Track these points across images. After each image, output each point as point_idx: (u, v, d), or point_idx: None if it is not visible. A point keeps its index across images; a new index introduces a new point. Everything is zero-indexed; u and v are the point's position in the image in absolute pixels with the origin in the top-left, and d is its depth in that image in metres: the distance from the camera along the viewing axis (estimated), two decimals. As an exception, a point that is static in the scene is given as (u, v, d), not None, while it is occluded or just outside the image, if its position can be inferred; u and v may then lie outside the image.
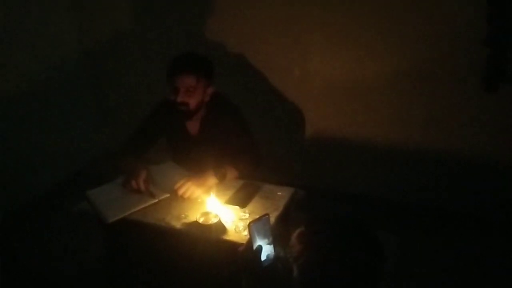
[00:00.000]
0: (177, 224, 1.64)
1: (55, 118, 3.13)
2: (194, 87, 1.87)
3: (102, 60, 3.27)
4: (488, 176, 2.51)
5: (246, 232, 1.54)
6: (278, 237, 1.23)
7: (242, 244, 1.47)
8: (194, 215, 1.64)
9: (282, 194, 1.80)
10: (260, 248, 1.19)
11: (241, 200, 1.76)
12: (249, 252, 1.19)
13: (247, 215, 1.66)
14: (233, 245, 1.50)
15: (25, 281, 2.35)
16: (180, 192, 1.76)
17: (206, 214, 1.61)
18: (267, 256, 1.20)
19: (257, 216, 1.24)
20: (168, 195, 1.79)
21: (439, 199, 2.67)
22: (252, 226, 1.19)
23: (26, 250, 2.58)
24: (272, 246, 1.22)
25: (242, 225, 1.60)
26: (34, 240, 2.65)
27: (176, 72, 1.87)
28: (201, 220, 1.58)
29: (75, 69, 3.26)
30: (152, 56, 3.05)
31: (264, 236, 1.21)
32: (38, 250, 2.57)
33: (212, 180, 1.82)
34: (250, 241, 1.20)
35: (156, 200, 1.77)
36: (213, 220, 1.58)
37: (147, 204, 1.74)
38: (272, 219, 1.58)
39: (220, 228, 1.58)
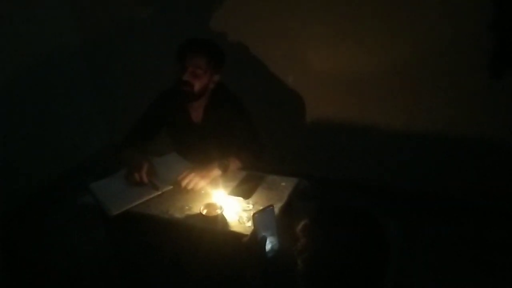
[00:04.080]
0: (181, 216, 1.63)
1: (58, 111, 3.12)
2: (203, 70, 1.87)
3: (103, 52, 3.25)
4: (494, 164, 2.48)
5: (250, 223, 1.53)
6: (282, 228, 1.22)
7: (246, 235, 1.46)
8: (198, 207, 1.63)
9: (286, 185, 1.79)
10: (264, 239, 1.18)
11: (244, 191, 1.75)
12: (254, 243, 1.18)
13: (250, 206, 1.65)
14: (237, 236, 1.49)
15: (28, 274, 2.36)
16: (184, 183, 1.75)
17: (209, 205, 1.60)
18: (272, 247, 1.20)
19: (261, 207, 1.23)
20: (171, 187, 1.79)
21: (445, 187, 2.65)
22: (256, 217, 1.18)
23: (28, 243, 2.59)
24: (276, 237, 1.21)
25: (246, 216, 1.59)
26: (36, 233, 2.66)
27: (189, 51, 1.88)
28: (204, 212, 1.58)
29: (76, 61, 3.24)
30: (153, 48, 3.03)
31: (269, 227, 1.20)
32: (41, 243, 2.58)
33: (215, 172, 1.81)
34: (254, 232, 1.19)
35: (160, 192, 1.76)
36: (217, 212, 1.57)
37: (150, 197, 1.74)
38: (276, 210, 1.57)
39: (223, 219, 1.57)
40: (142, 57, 3.12)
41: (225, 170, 1.83)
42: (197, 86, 1.88)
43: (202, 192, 1.75)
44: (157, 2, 2.90)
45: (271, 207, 1.22)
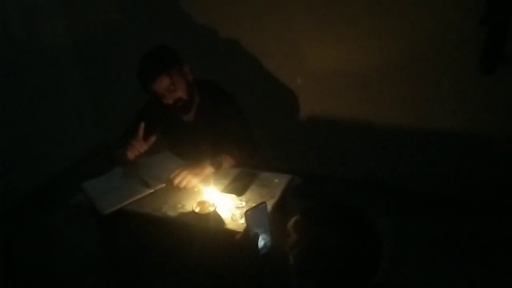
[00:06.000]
0: (174, 214, 1.63)
1: (50, 112, 3.10)
2: (173, 80, 1.80)
3: (95, 52, 3.22)
4: (485, 160, 2.50)
5: (243, 221, 1.52)
6: (275, 225, 1.21)
7: (239, 232, 1.45)
8: (190, 205, 1.63)
9: (279, 182, 1.78)
10: (257, 236, 1.18)
11: (237, 188, 1.75)
12: (246, 240, 1.18)
13: (243, 204, 1.65)
14: (230, 233, 1.49)
15: (22, 274, 2.34)
16: (176, 181, 1.74)
17: (202, 203, 1.60)
18: (264, 244, 1.20)
19: (254, 204, 1.22)
20: (164, 185, 1.78)
21: (437, 183, 2.66)
22: (248, 214, 1.18)
23: (22, 243, 2.57)
24: (269, 234, 1.20)
25: (239, 213, 1.59)
26: (30, 233, 2.64)
27: (149, 82, 1.82)
28: (197, 210, 1.57)
29: (69, 61, 3.23)
30: (146, 48, 2.99)
31: (261, 224, 1.20)
32: (35, 243, 2.57)
33: (208, 169, 1.80)
34: (247, 230, 1.19)
35: (152, 190, 1.75)
36: (209, 209, 1.56)
37: (143, 195, 1.73)
38: (269, 206, 1.57)
39: (216, 217, 1.56)
40: (135, 57, 3.08)
41: (218, 167, 1.82)
42: (183, 93, 1.84)
43: (195, 189, 1.74)
44: (150, 1, 2.87)
45: (264, 204, 1.22)
